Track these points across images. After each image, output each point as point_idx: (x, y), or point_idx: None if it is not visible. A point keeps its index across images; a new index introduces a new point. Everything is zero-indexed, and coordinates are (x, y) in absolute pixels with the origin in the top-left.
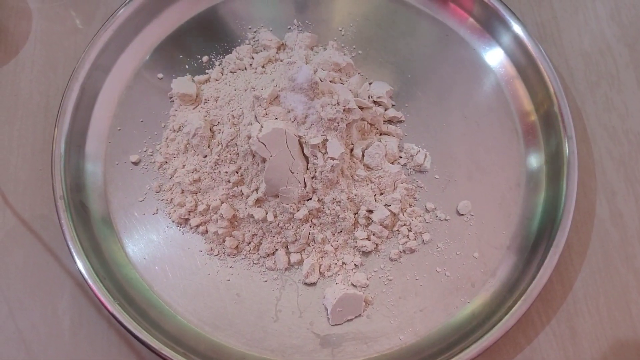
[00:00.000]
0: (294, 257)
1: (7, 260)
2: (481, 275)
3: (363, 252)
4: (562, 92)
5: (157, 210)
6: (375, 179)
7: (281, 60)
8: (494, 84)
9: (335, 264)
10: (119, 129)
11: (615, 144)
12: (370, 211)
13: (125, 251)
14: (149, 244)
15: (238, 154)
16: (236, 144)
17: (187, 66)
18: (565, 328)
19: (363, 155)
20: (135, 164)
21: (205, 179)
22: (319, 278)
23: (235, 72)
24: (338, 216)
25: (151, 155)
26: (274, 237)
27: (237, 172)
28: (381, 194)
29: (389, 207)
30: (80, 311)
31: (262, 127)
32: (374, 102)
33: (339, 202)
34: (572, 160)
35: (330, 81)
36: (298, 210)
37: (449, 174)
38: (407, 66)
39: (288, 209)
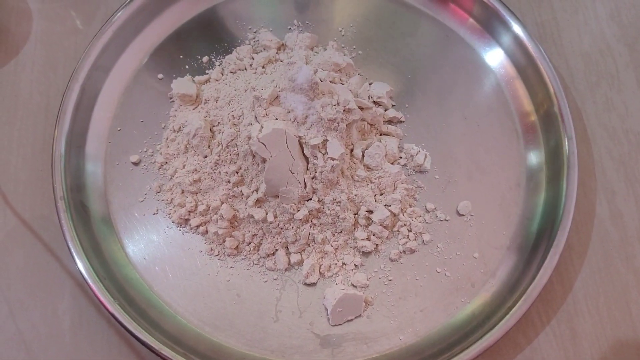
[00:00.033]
0: (294, 258)
1: (8, 260)
2: (481, 276)
3: (363, 252)
4: (562, 92)
5: (157, 210)
6: (376, 179)
7: (281, 61)
8: (494, 84)
9: (335, 264)
10: (119, 130)
11: (615, 144)
12: (370, 211)
13: (126, 251)
14: (149, 244)
15: (238, 154)
16: (236, 144)
17: (187, 66)
18: (565, 328)
19: (363, 156)
20: (136, 164)
21: (205, 179)
22: (319, 278)
23: (235, 73)
24: (338, 216)
25: (151, 156)
26: (274, 237)
27: (237, 173)
28: (381, 194)
29: (389, 208)
30: (80, 311)
31: (262, 127)
32: (374, 102)
33: (339, 202)
34: (572, 160)
35: (330, 81)
36: (298, 211)
37: (449, 175)
38: (407, 66)
39: (288, 209)
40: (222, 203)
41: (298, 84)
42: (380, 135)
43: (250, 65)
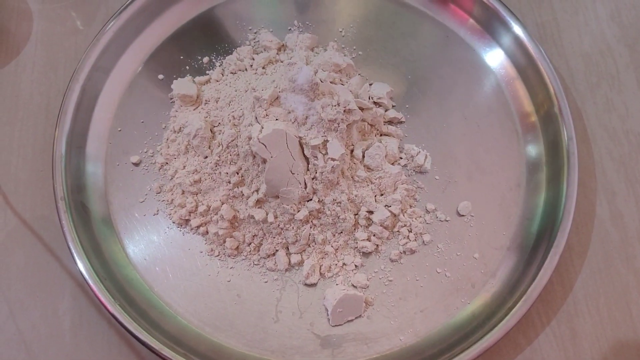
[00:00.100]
0: (295, 258)
1: (8, 260)
2: (481, 276)
3: (363, 252)
4: (562, 92)
5: (158, 211)
6: (376, 179)
7: (282, 61)
8: (494, 84)
9: (336, 264)
10: (120, 130)
11: (616, 144)
12: (371, 212)
13: (126, 252)
14: (150, 244)
15: (238, 154)
16: (237, 144)
17: (187, 67)
18: (565, 329)
19: (363, 156)
20: (136, 164)
21: (205, 179)
22: (319, 279)
23: (235, 73)
24: (338, 217)
25: (152, 156)
26: (274, 238)
27: (237, 173)
28: (381, 194)
29: (390, 208)
30: (80, 312)
31: (262, 128)
32: (375, 103)
33: (340, 202)
34: (573, 161)
35: (330, 82)
36: (298, 211)
37: (449, 175)
38: (408, 67)
39: (288, 209)
40: (223, 203)
41: (298, 84)
42: (381, 135)
43: (251, 65)
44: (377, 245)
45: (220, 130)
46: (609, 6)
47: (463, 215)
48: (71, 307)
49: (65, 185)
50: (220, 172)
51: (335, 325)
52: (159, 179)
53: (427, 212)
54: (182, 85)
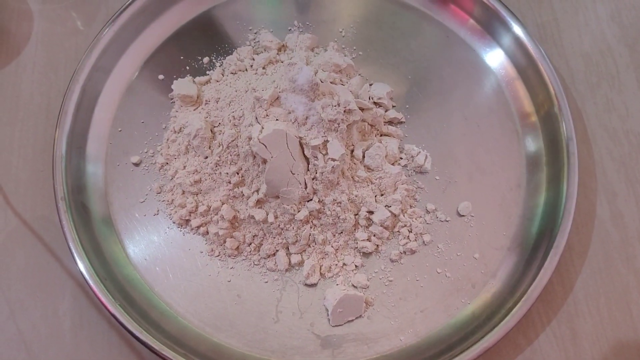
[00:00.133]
0: (295, 258)
1: (8, 261)
2: (482, 276)
3: (363, 253)
4: (562, 93)
5: (158, 211)
6: (376, 180)
7: (282, 62)
8: (494, 85)
9: (336, 265)
10: (120, 130)
11: (616, 144)
12: (371, 212)
13: (126, 252)
14: (150, 245)
15: (239, 155)
16: (237, 145)
17: (187, 67)
18: (565, 329)
19: (363, 157)
20: (136, 165)
21: (206, 180)
22: (319, 279)
23: (236, 74)
24: (339, 217)
25: (152, 157)
26: (274, 238)
27: (237, 173)
28: (382, 195)
29: (390, 208)
30: (81, 312)
31: (262, 128)
32: (375, 103)
33: (340, 203)
34: (573, 161)
35: (330, 82)
36: (299, 211)
37: (450, 175)
38: (408, 67)
39: (289, 210)
40: (223, 204)
41: (299, 84)
42: (381, 136)
43: (251, 66)
44: (377, 245)
45: (221, 131)
46: (609, 6)
47: (463, 216)
48: (71, 308)
49: (66, 186)
50: (220, 173)
51: (336, 326)
52: (159, 179)
53: (428, 212)
54: (183, 86)
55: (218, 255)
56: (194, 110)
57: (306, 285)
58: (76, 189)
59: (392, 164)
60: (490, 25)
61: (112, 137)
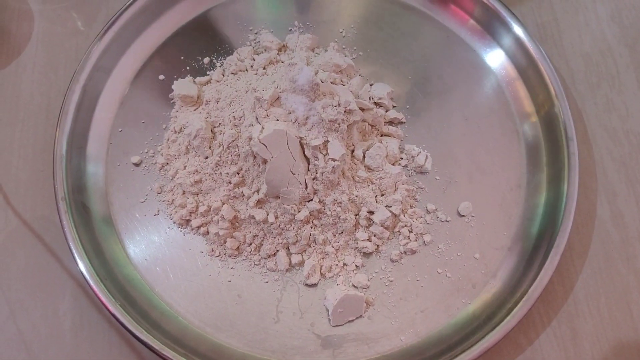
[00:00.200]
0: (295, 258)
1: (9, 261)
2: (482, 277)
3: (364, 253)
4: (562, 93)
5: (159, 211)
6: (376, 180)
7: (282, 62)
8: (494, 85)
9: (336, 265)
10: (120, 130)
11: (616, 144)
12: (371, 212)
13: (127, 252)
14: (150, 245)
15: (239, 155)
16: (237, 145)
17: (188, 68)
18: (566, 329)
19: (364, 157)
20: (137, 165)
21: (206, 180)
22: (320, 279)
23: (236, 74)
24: (339, 217)
25: (152, 157)
26: (275, 238)
27: (238, 174)
28: (382, 195)
29: (390, 208)
30: (81, 312)
31: (263, 128)
32: (375, 103)
33: (340, 203)
34: (573, 162)
35: (331, 82)
36: (299, 212)
37: (450, 175)
38: (408, 67)
39: (289, 210)
40: (223, 204)
41: (299, 85)
42: (381, 136)
43: (251, 66)
44: (378, 245)
45: (221, 131)
46: (609, 6)
47: (464, 216)
48: (72, 308)
49: (66, 186)
50: (220, 173)
51: (336, 326)
52: (159, 179)
53: (428, 212)
54: (183, 86)
55: (218, 256)
56: (195, 110)
57: (307, 285)
58: (76, 189)
59: (393, 164)
60: (491, 26)
61: (112, 137)
